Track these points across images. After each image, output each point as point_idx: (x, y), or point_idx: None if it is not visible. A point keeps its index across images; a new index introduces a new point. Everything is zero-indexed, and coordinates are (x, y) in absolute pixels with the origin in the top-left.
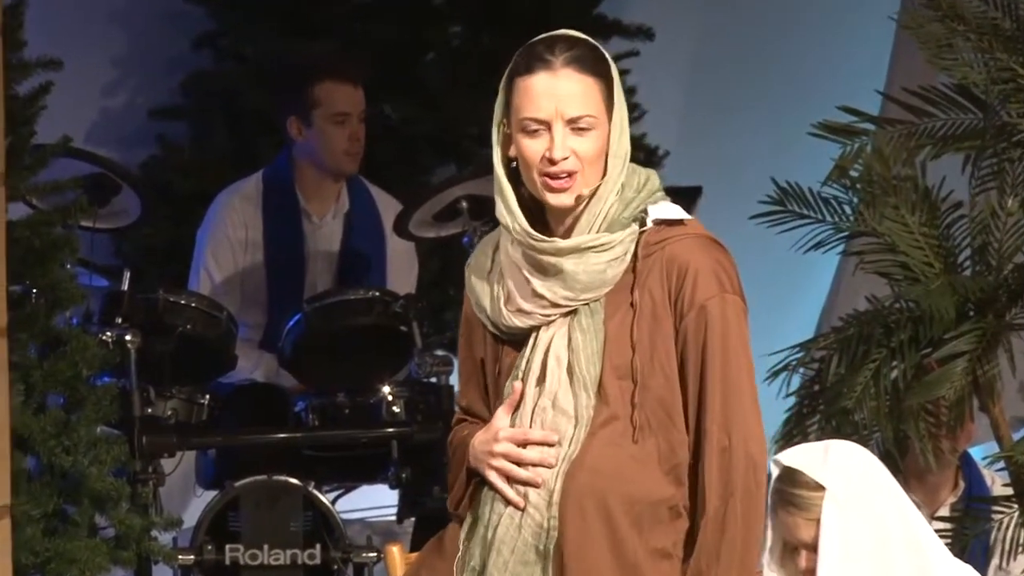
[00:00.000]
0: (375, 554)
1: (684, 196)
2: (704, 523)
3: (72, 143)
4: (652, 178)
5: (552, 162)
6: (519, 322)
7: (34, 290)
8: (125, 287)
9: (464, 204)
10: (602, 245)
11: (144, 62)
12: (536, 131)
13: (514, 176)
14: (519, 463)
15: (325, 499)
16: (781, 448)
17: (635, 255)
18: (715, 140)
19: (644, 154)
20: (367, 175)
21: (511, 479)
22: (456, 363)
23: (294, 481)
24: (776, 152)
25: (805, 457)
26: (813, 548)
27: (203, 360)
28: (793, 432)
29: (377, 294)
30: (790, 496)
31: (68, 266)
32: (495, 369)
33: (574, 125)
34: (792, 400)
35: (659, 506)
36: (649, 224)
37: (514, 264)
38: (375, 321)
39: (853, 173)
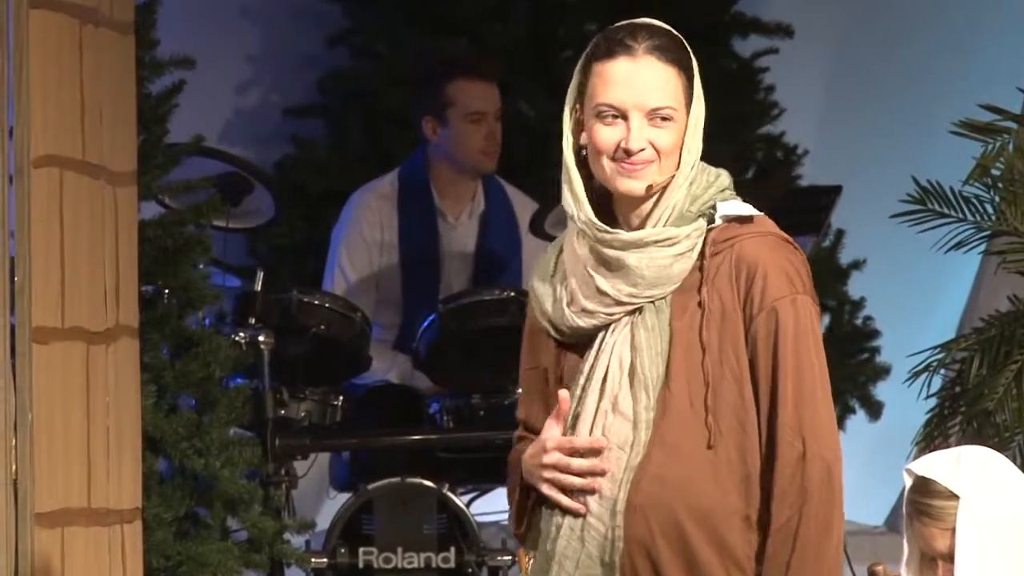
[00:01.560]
0: (510, 557)
1: (823, 195)
2: (773, 534)
3: (205, 142)
4: (722, 176)
5: (628, 153)
6: (583, 322)
7: (166, 290)
8: (258, 287)
9: None
10: (667, 239)
11: (278, 60)
12: (612, 118)
13: (583, 165)
14: (569, 472)
15: (460, 501)
16: (923, 450)
17: (702, 253)
18: (855, 138)
19: (783, 153)
20: (503, 174)
21: (565, 489)
22: None
23: (428, 483)
24: (917, 150)
25: (937, 465)
26: (950, 559)
27: (337, 361)
28: (934, 434)
29: (512, 294)
30: (924, 506)
31: (200, 266)
32: (556, 376)
33: (653, 115)
34: (933, 402)
35: (731, 517)
36: (718, 221)
37: (579, 261)
38: (510, 321)
39: (995, 172)
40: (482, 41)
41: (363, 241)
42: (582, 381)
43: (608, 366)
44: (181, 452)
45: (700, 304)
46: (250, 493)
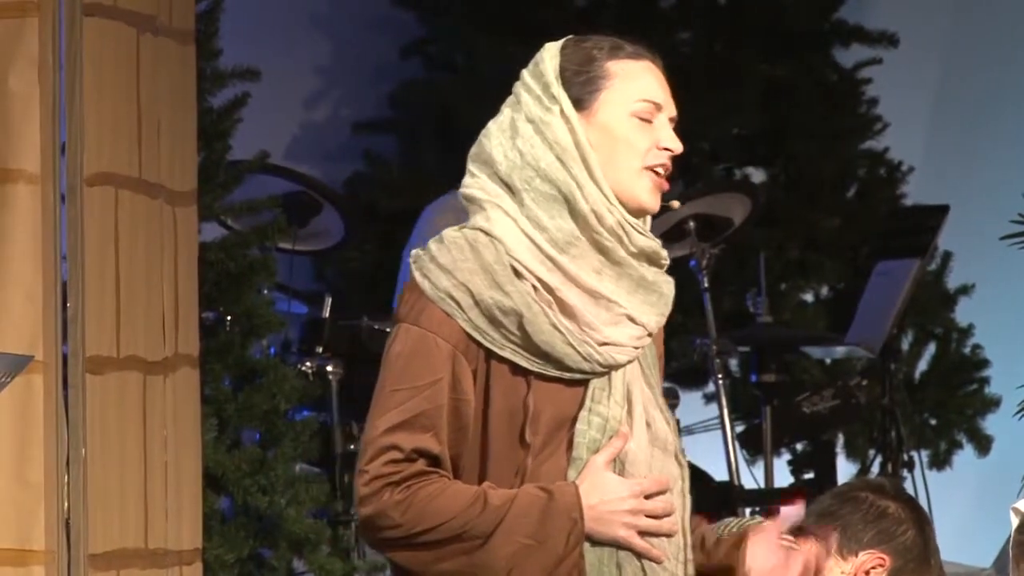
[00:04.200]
0: None
1: (930, 216)
2: None
3: (270, 159)
4: None
5: (670, 152)
6: (620, 358)
7: (228, 317)
8: (326, 314)
9: (692, 224)
10: (665, 265)
11: (349, 71)
12: (650, 119)
13: None
14: (653, 516)
15: None
16: None
17: None
18: (964, 155)
19: (886, 170)
20: None
21: (645, 534)
22: (679, 395)
23: None
24: None
25: None
26: None
27: None
28: None
29: None
30: None
31: (265, 291)
32: (514, 417)
33: (672, 124)
34: None
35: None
36: None
37: (570, 281)
38: None
39: None
40: None
41: None
42: (616, 418)
43: (644, 403)
44: (244, 489)
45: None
46: (317, 533)
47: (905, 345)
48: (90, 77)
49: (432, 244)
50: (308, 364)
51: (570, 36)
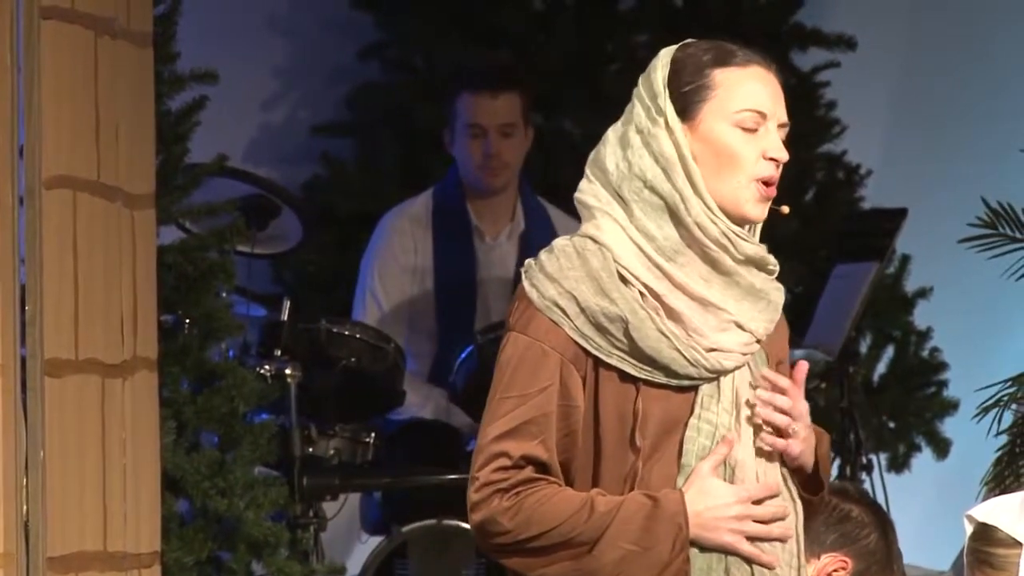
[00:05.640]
0: None
1: (888, 219)
2: None
3: (228, 162)
4: None
5: (776, 162)
6: (728, 363)
7: (187, 320)
8: (285, 317)
9: None
10: (775, 271)
11: (307, 74)
12: (755, 128)
13: None
14: (761, 521)
15: None
16: (992, 490)
17: None
18: (922, 158)
19: (844, 173)
20: (545, 194)
21: (755, 540)
22: None
23: (465, 525)
24: (988, 171)
25: (1000, 511)
26: None
27: (368, 395)
28: (1005, 473)
29: None
30: (985, 555)
31: (224, 294)
32: (628, 421)
33: (782, 131)
34: (1004, 439)
35: None
36: None
37: (678, 288)
38: None
39: None
40: (525, 54)
41: (396, 266)
42: (725, 425)
43: (738, 407)
44: (203, 492)
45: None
46: (276, 536)
47: (863, 348)
48: (48, 80)
49: (542, 253)
50: (267, 367)
51: (687, 41)
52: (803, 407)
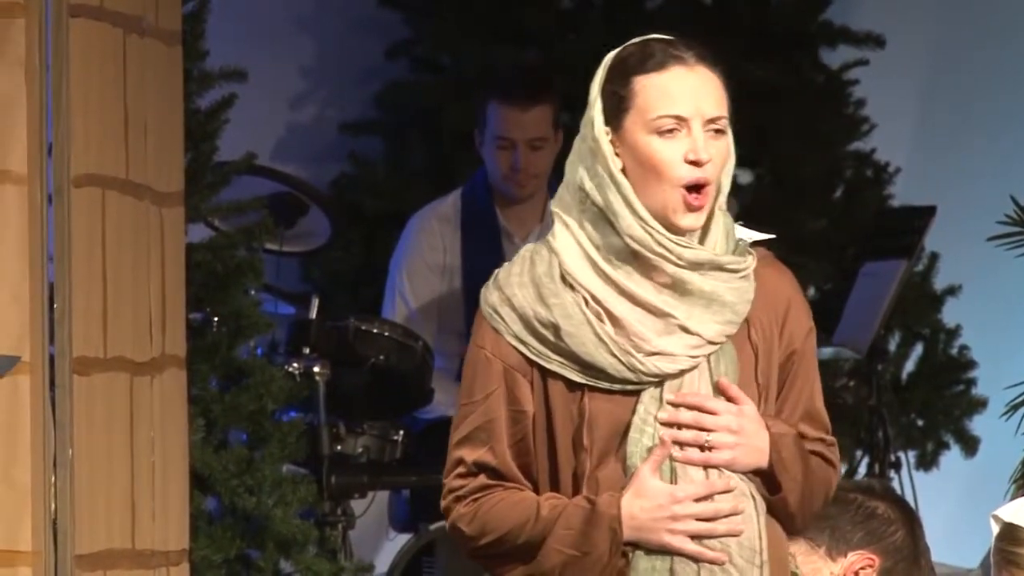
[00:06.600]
0: None
1: (916, 217)
2: None
3: (257, 160)
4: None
5: (698, 164)
6: (666, 367)
7: (215, 318)
8: (313, 315)
9: None
10: (741, 270)
11: (335, 72)
12: (673, 131)
13: None
14: (713, 518)
15: None
16: (1021, 488)
17: None
18: (951, 156)
19: (873, 171)
20: None
21: (701, 537)
22: None
23: None
24: (1017, 168)
25: None
26: None
27: (397, 393)
28: None
29: None
30: (1011, 555)
31: (252, 292)
32: (574, 424)
33: (711, 127)
34: None
35: None
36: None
37: (623, 295)
38: None
39: None
40: (553, 53)
41: (424, 266)
42: (653, 428)
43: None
44: (231, 490)
45: (750, 339)
46: (304, 534)
47: (892, 346)
48: (77, 78)
49: (506, 262)
50: (295, 365)
51: (629, 42)
52: (727, 420)
